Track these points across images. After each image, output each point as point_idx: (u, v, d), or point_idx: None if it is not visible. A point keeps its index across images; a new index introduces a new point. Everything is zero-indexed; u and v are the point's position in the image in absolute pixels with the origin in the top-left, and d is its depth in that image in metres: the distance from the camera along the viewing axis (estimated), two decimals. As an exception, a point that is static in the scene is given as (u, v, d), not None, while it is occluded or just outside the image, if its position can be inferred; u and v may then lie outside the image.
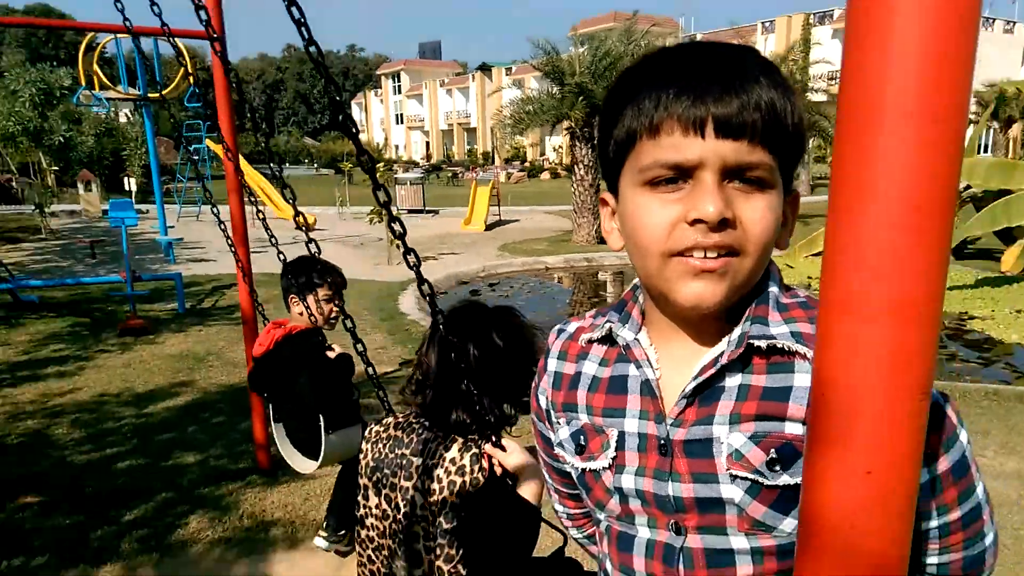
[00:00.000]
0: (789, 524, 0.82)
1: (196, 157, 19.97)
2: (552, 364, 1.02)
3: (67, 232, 16.35)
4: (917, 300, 0.45)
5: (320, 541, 3.15)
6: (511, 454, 1.46)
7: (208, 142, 19.24)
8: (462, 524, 1.51)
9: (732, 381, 0.83)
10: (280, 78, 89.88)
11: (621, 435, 0.90)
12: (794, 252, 10.89)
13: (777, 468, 0.80)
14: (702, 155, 0.77)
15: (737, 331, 0.83)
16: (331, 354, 2.81)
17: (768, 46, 39.10)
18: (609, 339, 0.94)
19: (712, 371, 0.83)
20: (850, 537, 0.50)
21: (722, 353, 0.83)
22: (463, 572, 1.52)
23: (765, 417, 0.81)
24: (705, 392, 0.84)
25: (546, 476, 1.19)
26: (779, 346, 0.81)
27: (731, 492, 0.83)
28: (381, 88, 74.34)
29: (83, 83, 14.54)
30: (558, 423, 1.00)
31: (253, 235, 4.18)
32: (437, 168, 48.73)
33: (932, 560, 0.87)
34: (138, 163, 24.29)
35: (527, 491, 1.48)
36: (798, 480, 0.76)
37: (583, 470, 0.95)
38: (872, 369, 0.47)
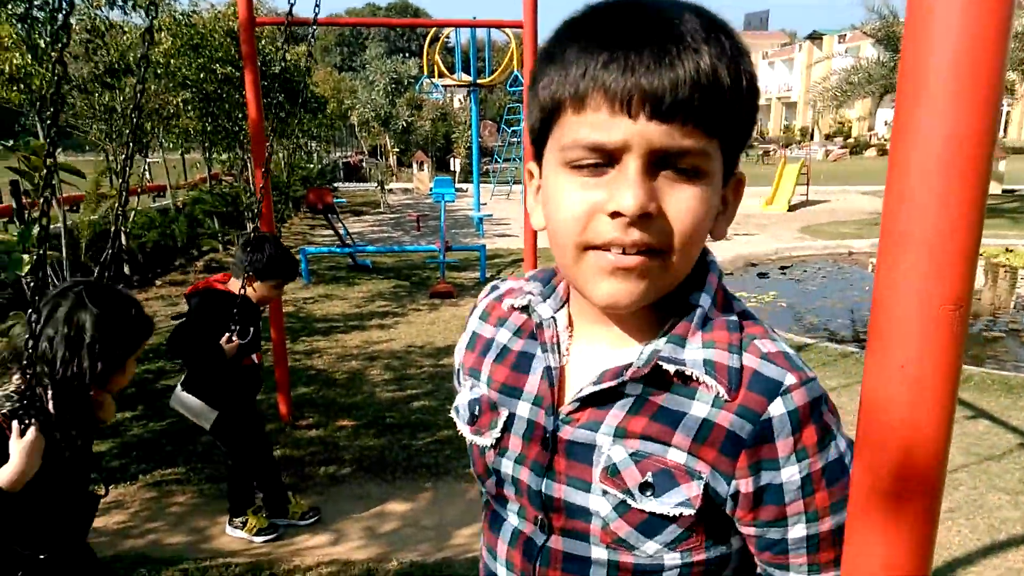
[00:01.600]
0: (651, 547, 0.77)
1: (514, 139, 21.67)
2: (473, 323, 0.96)
3: (400, 207, 18.76)
4: (953, 231, 0.56)
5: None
6: (19, 442, 1.55)
7: (525, 125, 20.70)
8: None
9: (632, 390, 0.77)
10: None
11: (511, 417, 0.85)
12: None
13: (648, 493, 0.75)
14: (627, 138, 0.67)
15: (649, 347, 0.77)
16: (225, 343, 2.91)
17: None
18: (527, 309, 0.87)
19: (612, 383, 0.77)
20: (889, 418, 0.61)
21: (629, 366, 0.76)
22: None
23: (650, 438, 0.76)
24: (596, 396, 0.79)
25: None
26: (687, 373, 0.75)
27: (599, 505, 0.78)
28: (697, 64, 73.02)
29: (426, 72, 16.42)
30: (462, 384, 0.95)
31: None
32: (748, 145, 46.81)
33: None
34: (464, 145, 26.98)
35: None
36: (666, 510, 0.75)
37: (470, 441, 0.91)
38: (914, 284, 0.57)
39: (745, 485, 0.75)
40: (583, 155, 0.69)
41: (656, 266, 0.71)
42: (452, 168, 25.82)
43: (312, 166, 19.49)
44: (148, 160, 9.88)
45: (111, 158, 8.63)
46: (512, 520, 0.88)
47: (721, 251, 10.86)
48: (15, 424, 1.59)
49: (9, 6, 6.22)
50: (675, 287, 0.76)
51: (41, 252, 1.90)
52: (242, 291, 2.95)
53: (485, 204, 17.56)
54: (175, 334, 2.93)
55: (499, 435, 0.85)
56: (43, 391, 1.66)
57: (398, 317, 7.30)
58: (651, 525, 0.77)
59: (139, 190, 9.34)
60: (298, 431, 4.40)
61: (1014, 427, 4.34)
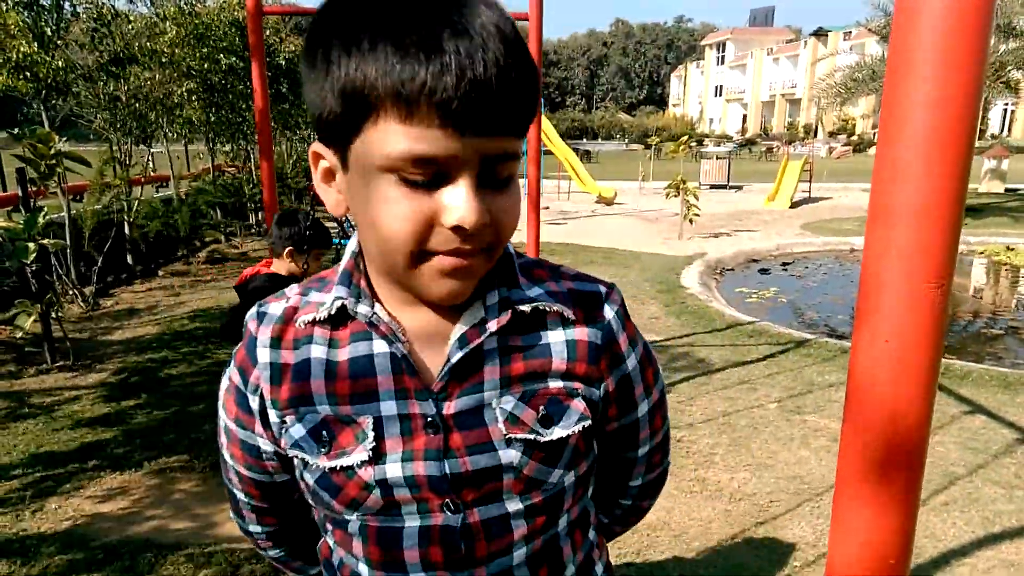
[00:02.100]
0: (555, 475, 0.84)
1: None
2: (264, 355, 0.85)
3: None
4: (935, 206, 0.60)
5: None
6: None
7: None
8: None
9: (489, 344, 0.81)
10: (605, 53, 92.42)
11: (378, 420, 0.81)
12: None
13: (548, 425, 0.82)
14: (458, 152, 0.66)
15: (493, 298, 0.81)
16: None
17: None
18: (335, 319, 0.83)
19: (479, 340, 0.79)
20: (874, 392, 0.66)
21: (484, 321, 0.80)
22: None
23: (530, 377, 0.82)
24: (463, 362, 0.80)
25: (240, 495, 0.98)
26: (541, 308, 0.82)
27: (509, 456, 0.81)
28: (704, 59, 73.03)
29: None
30: (283, 423, 0.85)
31: (556, 207, 4.58)
32: (751, 142, 46.85)
33: (636, 482, 1.02)
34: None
35: None
36: (567, 432, 0.82)
37: (328, 469, 0.82)
38: (897, 261, 0.62)
39: (610, 384, 0.88)
40: (413, 170, 0.67)
41: (484, 259, 0.75)
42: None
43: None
44: (151, 150, 9.89)
45: (115, 147, 8.66)
46: (412, 523, 0.83)
47: (723, 247, 10.89)
48: None
49: (15, -6, 6.22)
50: None
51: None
52: (305, 266, 3.01)
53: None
54: (235, 318, 2.96)
55: (373, 444, 0.80)
56: None
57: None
58: (553, 454, 0.83)
59: (143, 180, 9.36)
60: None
61: (1011, 422, 4.37)
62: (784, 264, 10.38)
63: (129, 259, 9.03)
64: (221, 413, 0.92)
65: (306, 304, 0.85)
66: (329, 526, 0.91)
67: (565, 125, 31.22)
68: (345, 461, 0.81)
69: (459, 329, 0.80)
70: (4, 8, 6.53)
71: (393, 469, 0.81)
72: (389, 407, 0.81)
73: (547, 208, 14.89)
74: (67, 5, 6.81)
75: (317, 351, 0.83)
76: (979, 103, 0.57)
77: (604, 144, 58.00)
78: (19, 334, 5.29)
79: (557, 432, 0.82)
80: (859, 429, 0.68)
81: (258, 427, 0.88)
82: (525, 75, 0.66)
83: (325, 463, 0.82)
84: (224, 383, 0.91)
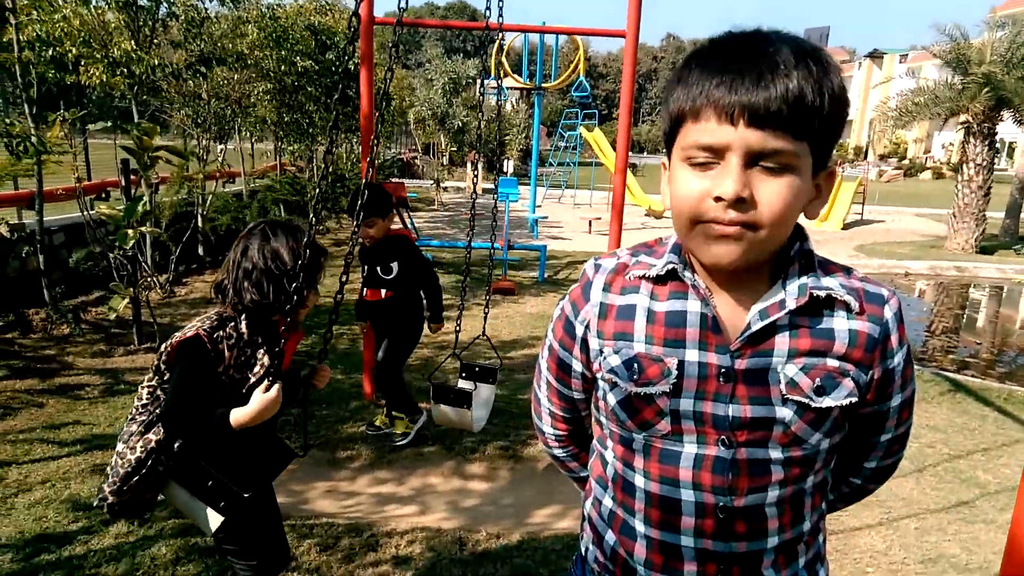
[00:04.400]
0: (816, 437, 1.02)
1: (568, 144, 21.80)
2: (596, 295, 1.10)
3: (453, 205, 19.04)
4: None
5: None
6: (263, 395, 1.79)
7: (582, 130, 20.79)
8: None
9: (782, 321, 0.99)
10: (654, 67, 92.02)
11: (681, 363, 1.01)
12: None
13: (821, 395, 0.99)
14: (730, 141, 0.90)
15: (795, 283, 1.00)
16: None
17: None
18: (661, 278, 1.05)
19: (779, 314, 0.98)
20: None
21: (783, 301, 0.99)
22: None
23: (813, 353, 0.99)
24: (760, 330, 0.99)
25: (543, 399, 1.29)
26: (834, 296, 1.00)
27: (783, 413, 1.00)
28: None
29: (493, 73, 16.61)
30: (602, 351, 1.09)
31: (607, 219, 4.75)
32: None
33: (871, 464, 1.18)
34: (517, 147, 27.20)
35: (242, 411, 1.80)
36: (835, 403, 1.00)
37: (633, 394, 1.04)
38: None
39: (877, 372, 1.04)
40: (697, 152, 0.93)
41: (750, 236, 0.93)
42: (505, 169, 26.08)
43: (377, 161, 19.86)
44: (224, 147, 10.26)
45: (195, 141, 9.03)
46: (691, 449, 1.03)
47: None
48: (262, 387, 1.83)
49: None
50: (774, 253, 0.99)
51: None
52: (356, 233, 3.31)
53: (540, 206, 17.76)
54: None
55: (675, 380, 1.01)
56: (239, 318, 1.92)
57: (464, 311, 7.51)
58: (819, 420, 1.01)
59: (218, 175, 9.72)
60: (380, 409, 4.64)
61: (1079, 452, 4.39)
62: (839, 285, 10.30)
63: (200, 250, 9.39)
64: (549, 334, 1.22)
65: (636, 263, 1.09)
66: (610, 443, 1.15)
67: (611, 138, 31.22)
68: (649, 389, 1.02)
69: (761, 304, 1.00)
70: (105, 8, 6.91)
71: (686, 403, 1.02)
72: (692, 354, 1.01)
73: (599, 219, 15.03)
74: (163, 6, 7.16)
75: (641, 300, 1.06)
76: None
77: (650, 158, 57.84)
78: (112, 316, 5.60)
79: (827, 402, 1.00)
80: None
81: (576, 351, 1.15)
82: (795, 89, 0.89)
83: (632, 388, 1.04)
84: (556, 312, 1.19)
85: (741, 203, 0.91)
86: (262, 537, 2.22)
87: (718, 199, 0.91)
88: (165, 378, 1.96)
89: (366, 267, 3.94)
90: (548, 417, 1.30)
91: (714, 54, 0.93)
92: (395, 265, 3.98)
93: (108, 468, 1.97)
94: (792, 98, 0.87)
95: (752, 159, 0.90)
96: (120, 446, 1.96)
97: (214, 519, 1.93)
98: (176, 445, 1.90)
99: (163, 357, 1.95)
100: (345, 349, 6.10)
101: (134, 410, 2.00)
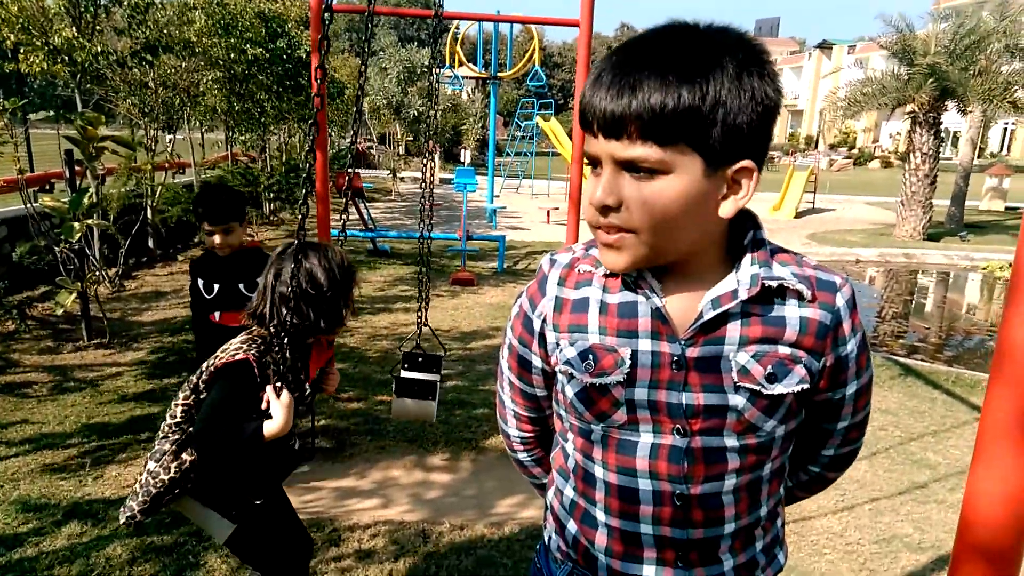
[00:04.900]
0: (770, 424, 1.03)
1: (525, 134, 21.77)
2: (552, 289, 1.12)
3: (410, 195, 18.92)
4: None
5: None
6: (279, 401, 1.81)
7: (538, 119, 20.78)
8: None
9: (734, 309, 1.00)
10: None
11: (634, 353, 1.02)
12: None
13: (773, 382, 1.00)
14: (598, 151, 0.94)
15: (747, 272, 1.00)
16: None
17: None
18: (610, 272, 1.06)
19: (731, 304, 0.99)
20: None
21: (735, 291, 0.99)
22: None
23: (765, 340, 1.00)
24: (711, 319, 1.00)
25: (507, 400, 1.28)
26: (786, 285, 1.00)
27: (736, 400, 1.01)
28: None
29: (447, 62, 16.50)
30: (558, 344, 1.10)
31: (565, 208, 4.76)
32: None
33: (828, 452, 1.19)
34: (473, 137, 27.09)
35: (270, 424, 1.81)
36: (788, 390, 1.01)
37: (589, 385, 1.05)
38: None
39: (830, 359, 1.05)
40: (588, 160, 0.98)
41: (629, 241, 0.95)
42: (462, 159, 25.95)
43: (331, 151, 19.57)
44: (173, 137, 9.99)
45: (142, 131, 8.77)
46: (647, 439, 1.04)
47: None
48: (270, 388, 1.82)
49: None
50: (717, 243, 1.01)
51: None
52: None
53: (498, 196, 17.73)
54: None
55: (628, 370, 1.02)
56: (283, 345, 1.87)
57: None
58: (772, 407, 1.02)
59: (167, 166, 9.47)
60: (339, 403, 4.59)
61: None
62: (792, 272, 10.51)
63: (150, 243, 9.15)
64: (508, 332, 1.22)
65: (587, 256, 1.11)
66: (570, 435, 1.15)
67: (567, 127, 31.28)
68: (604, 380, 1.04)
69: (713, 293, 1.01)
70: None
71: (640, 393, 1.03)
72: (645, 344, 1.02)
73: (557, 209, 15.06)
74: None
75: (594, 293, 1.07)
76: None
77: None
78: (59, 311, 5.42)
79: (779, 389, 1.01)
80: (1008, 384, 0.84)
81: (535, 346, 1.16)
82: (658, 99, 0.89)
83: (588, 379, 1.05)
84: (514, 310, 1.20)
85: (610, 209, 0.94)
86: (275, 539, 2.20)
87: (591, 205, 0.96)
88: (201, 397, 1.94)
89: (217, 285, 3.02)
90: (513, 419, 1.29)
91: (608, 59, 0.94)
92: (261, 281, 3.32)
93: (136, 486, 1.96)
94: (646, 109, 0.87)
95: (622, 166, 0.93)
96: (151, 464, 1.95)
97: (227, 529, 1.94)
98: (192, 460, 1.91)
99: (203, 376, 1.94)
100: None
101: (166, 427, 1.98)
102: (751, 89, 0.90)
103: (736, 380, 1.00)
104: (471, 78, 17.23)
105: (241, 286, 3.05)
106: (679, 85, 0.87)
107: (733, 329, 1.00)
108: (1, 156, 5.70)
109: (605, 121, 0.90)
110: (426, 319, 3.55)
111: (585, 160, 0.99)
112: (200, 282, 3.02)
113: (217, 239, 2.89)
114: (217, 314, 3.07)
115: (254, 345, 1.90)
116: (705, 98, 0.88)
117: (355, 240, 10.43)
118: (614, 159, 0.92)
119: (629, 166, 0.92)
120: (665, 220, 0.93)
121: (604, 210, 0.94)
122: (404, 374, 3.29)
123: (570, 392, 1.08)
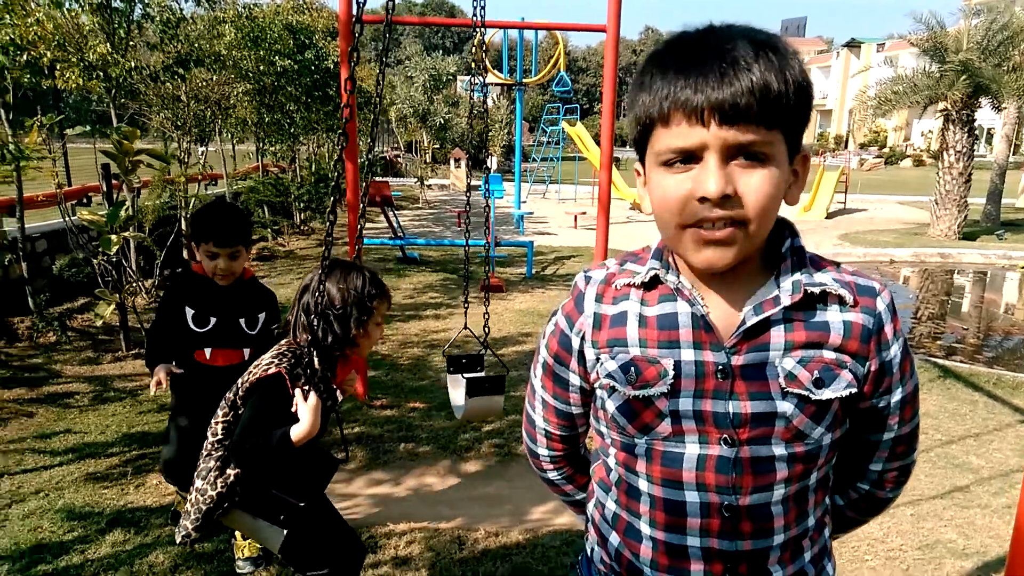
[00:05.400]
0: (818, 432, 1.02)
1: (551, 139, 21.78)
2: (590, 306, 1.10)
3: (437, 203, 19.00)
4: None
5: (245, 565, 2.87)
6: (306, 405, 1.86)
7: (564, 124, 20.78)
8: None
9: (776, 316, 0.99)
10: (634, 60, 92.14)
11: (677, 364, 1.01)
12: None
13: (820, 386, 0.99)
14: (704, 140, 0.90)
15: (789, 280, 1.00)
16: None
17: None
18: (648, 284, 1.05)
19: (774, 310, 0.98)
20: None
21: (778, 297, 0.99)
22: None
23: (810, 345, 0.99)
24: (754, 326, 0.99)
25: (538, 420, 1.26)
26: (828, 291, 1.00)
27: (784, 407, 0.99)
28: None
29: (481, 68, 16.56)
30: (598, 360, 1.09)
31: (592, 213, 4.74)
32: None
33: (876, 467, 1.15)
34: (500, 143, 27.15)
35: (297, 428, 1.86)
36: (835, 395, 0.99)
37: (631, 398, 1.04)
38: None
39: (874, 364, 1.03)
40: (672, 156, 0.94)
41: (740, 234, 0.94)
42: (488, 166, 26.03)
43: (362, 160, 19.76)
44: (205, 149, 10.15)
45: (175, 144, 8.93)
46: (693, 450, 1.03)
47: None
48: (298, 392, 1.88)
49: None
50: (761, 247, 1.00)
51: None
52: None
53: (525, 202, 17.76)
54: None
55: (672, 381, 1.01)
56: (311, 354, 1.95)
57: (451, 308, 7.51)
58: (820, 413, 1.01)
59: (200, 178, 9.63)
60: (373, 410, 4.63)
61: (1067, 433, 4.44)
62: (824, 274, 10.37)
63: (185, 254, 9.30)
64: (543, 351, 1.20)
65: (622, 271, 1.10)
66: (611, 450, 1.14)
67: (593, 131, 31.26)
68: (647, 392, 1.03)
69: (755, 299, 1.01)
70: (79, 10, 6.80)
71: (685, 403, 1.02)
72: (688, 354, 1.01)
73: (584, 213, 15.04)
74: (138, 8, 7.06)
75: (632, 306, 1.06)
76: None
77: (631, 151, 57.74)
78: (99, 322, 5.53)
79: (827, 394, 1.00)
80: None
81: (573, 363, 1.15)
82: (759, 81, 0.89)
83: (630, 392, 1.04)
84: (549, 328, 1.18)
85: (726, 200, 0.91)
86: (327, 546, 2.25)
87: (703, 200, 0.91)
88: (239, 413, 2.01)
89: (214, 319, 2.72)
90: (543, 438, 1.28)
91: (671, 56, 0.94)
92: (263, 316, 2.86)
93: (188, 505, 2.03)
94: (758, 90, 0.88)
95: (729, 155, 0.91)
96: (199, 482, 2.02)
97: (279, 537, 1.99)
98: (237, 474, 1.98)
99: (238, 392, 2.02)
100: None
101: (209, 446, 2.05)
102: (808, 81, 0.94)
103: (783, 386, 0.99)
104: (496, 84, 17.27)
105: (242, 322, 2.77)
106: (779, 67, 0.89)
107: (777, 335, 1.00)
108: (40, 171, 5.83)
109: (716, 107, 0.88)
110: (466, 323, 3.64)
111: (666, 161, 0.94)
112: (189, 312, 2.71)
113: (221, 263, 2.65)
114: (208, 351, 2.75)
115: (285, 359, 1.96)
116: (790, 84, 0.90)
117: (384, 248, 10.50)
118: (727, 145, 0.90)
119: (743, 152, 0.91)
120: (769, 210, 0.94)
121: (722, 201, 0.90)
122: (469, 375, 3.37)
123: (611, 407, 1.08)
